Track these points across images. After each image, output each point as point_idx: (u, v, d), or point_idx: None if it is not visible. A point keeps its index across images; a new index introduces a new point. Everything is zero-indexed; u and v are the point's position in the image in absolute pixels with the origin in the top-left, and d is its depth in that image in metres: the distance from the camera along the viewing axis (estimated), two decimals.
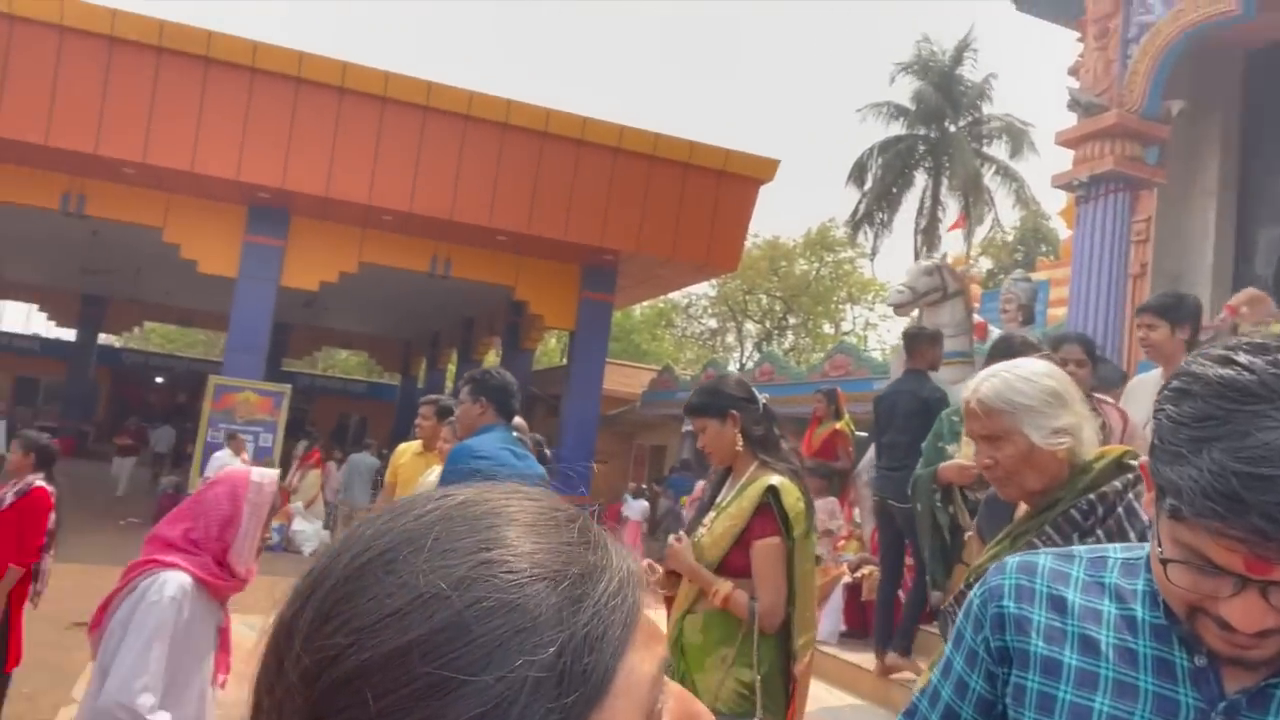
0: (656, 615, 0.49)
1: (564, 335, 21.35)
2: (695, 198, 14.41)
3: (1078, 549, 1.08)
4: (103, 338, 26.56)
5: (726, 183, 14.57)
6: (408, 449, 5.29)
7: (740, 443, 2.73)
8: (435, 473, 4.33)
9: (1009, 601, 1.03)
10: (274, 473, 2.53)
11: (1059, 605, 1.00)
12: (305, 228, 14.13)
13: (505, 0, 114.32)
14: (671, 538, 2.79)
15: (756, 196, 15.06)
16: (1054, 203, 32.39)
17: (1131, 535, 1.61)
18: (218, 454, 11.29)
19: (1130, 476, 1.69)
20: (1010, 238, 31.28)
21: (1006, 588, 1.04)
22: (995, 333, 7.85)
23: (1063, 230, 15.33)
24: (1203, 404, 0.83)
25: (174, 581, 2.18)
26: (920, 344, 5.18)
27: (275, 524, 13.21)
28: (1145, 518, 1.57)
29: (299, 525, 13.39)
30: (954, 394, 5.72)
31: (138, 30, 11.96)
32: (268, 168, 12.68)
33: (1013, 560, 1.08)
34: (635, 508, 14.97)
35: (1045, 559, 1.06)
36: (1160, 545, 0.87)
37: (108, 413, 26.12)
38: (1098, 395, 3.83)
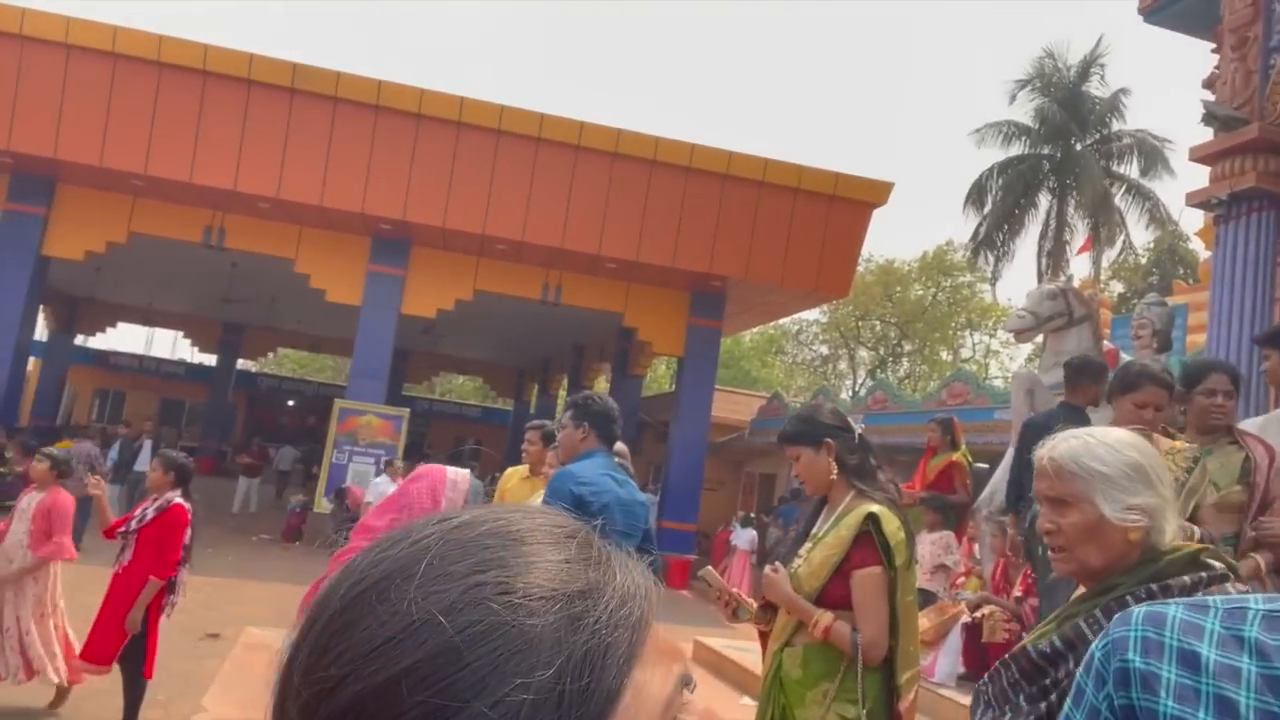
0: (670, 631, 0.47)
1: (673, 361, 21.40)
2: (804, 222, 14.26)
3: (1213, 599, 0.98)
4: (240, 363, 28.21)
5: (837, 207, 14.36)
6: (515, 473, 5.36)
7: (835, 471, 2.69)
8: (539, 497, 4.38)
9: (1134, 655, 0.94)
10: (466, 472, 2.78)
11: (1191, 661, 0.91)
12: (424, 257, 14.70)
13: (593, 20, 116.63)
14: (768, 568, 2.73)
15: (869, 220, 14.78)
16: (1192, 223, 30.54)
17: None
18: (377, 480, 11.86)
19: (1203, 575, 1.52)
20: (1144, 260, 29.63)
21: (1132, 640, 0.95)
22: (1126, 360, 7.41)
23: (1202, 251, 14.40)
24: None
25: None
26: (1083, 378, 4.60)
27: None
28: None
29: None
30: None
31: (272, 74, 12.78)
32: (390, 200, 13.28)
33: (1139, 610, 0.98)
34: (743, 536, 14.78)
35: (1176, 609, 0.96)
36: None
37: (243, 433, 27.72)
38: (1241, 428, 3.56)
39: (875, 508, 2.58)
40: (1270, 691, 0.86)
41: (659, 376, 33.35)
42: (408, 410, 15.44)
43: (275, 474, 21.12)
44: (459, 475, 2.70)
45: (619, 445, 3.87)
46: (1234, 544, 3.37)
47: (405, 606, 0.42)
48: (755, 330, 32.05)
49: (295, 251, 14.37)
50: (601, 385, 20.87)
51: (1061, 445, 1.63)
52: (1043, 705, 1.50)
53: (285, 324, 23.45)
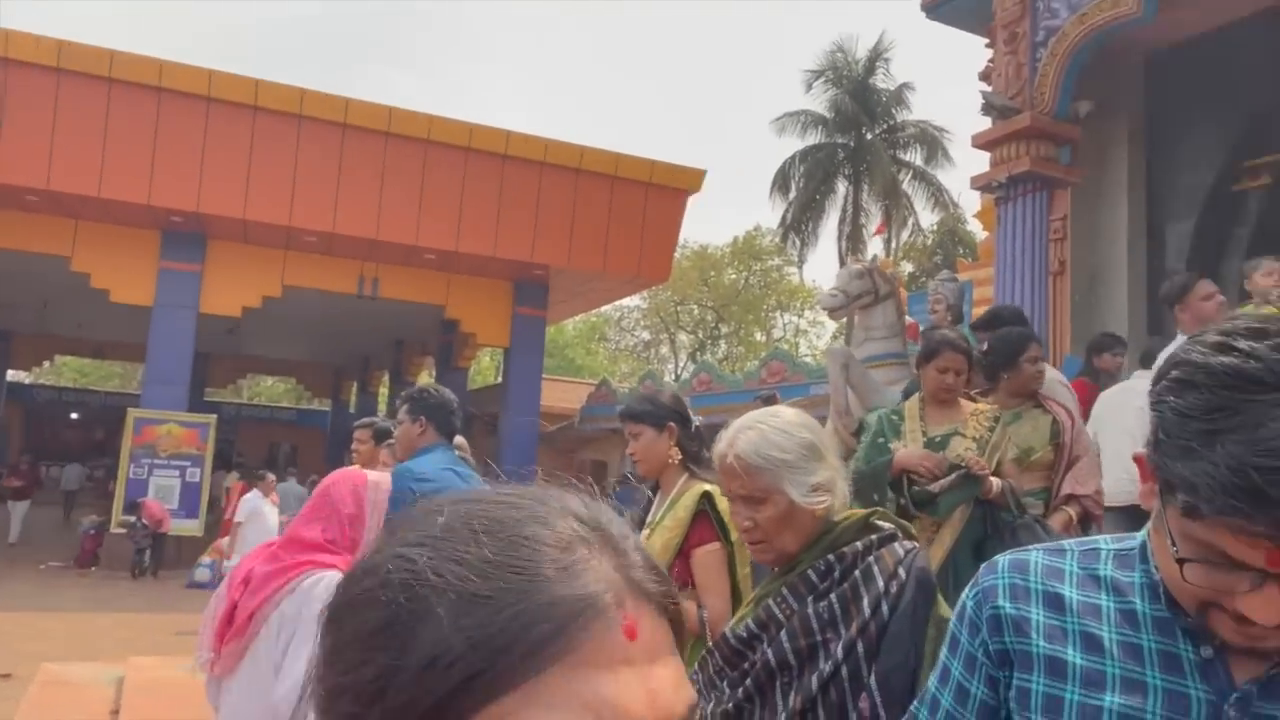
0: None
1: (497, 353, 21.15)
2: (624, 210, 14.44)
3: (1067, 542, 1.06)
4: (11, 374, 25.30)
5: (654, 195, 14.63)
6: None
7: (674, 457, 2.69)
8: None
9: (1005, 602, 1.00)
10: (386, 475, 2.65)
11: (1056, 602, 0.98)
12: (224, 251, 13.71)
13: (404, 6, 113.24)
14: None
15: (684, 207, 15.17)
16: (970, 205, 33.33)
17: (865, 600, 1.52)
18: (247, 497, 10.86)
19: (874, 538, 1.59)
20: (930, 241, 32.14)
21: (1001, 588, 1.02)
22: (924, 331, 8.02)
23: (979, 232, 15.79)
24: (1209, 395, 0.80)
25: (334, 579, 2.23)
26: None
27: (207, 560, 12.73)
28: (881, 583, 1.53)
29: (234, 561, 12.93)
30: (889, 395, 5.81)
31: (33, 52, 11.48)
32: (181, 191, 12.28)
33: (1004, 559, 1.05)
34: None
35: (1038, 555, 1.04)
36: (1173, 544, 0.84)
37: (19, 452, 24.90)
38: (1044, 395, 3.93)
39: (709, 486, 2.61)
40: (1128, 624, 0.94)
41: (484, 369, 32.87)
42: (214, 417, 14.40)
43: (61, 495, 19.15)
44: (380, 478, 2.59)
45: (458, 439, 3.77)
46: (1045, 498, 3.73)
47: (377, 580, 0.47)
48: (578, 318, 32.20)
49: (71, 248, 13.02)
50: (425, 380, 20.29)
51: (740, 441, 1.62)
52: (740, 690, 1.55)
53: (62, 329, 21.21)
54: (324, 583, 2.24)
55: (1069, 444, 3.69)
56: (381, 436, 4.80)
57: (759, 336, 35.63)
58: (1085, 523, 3.63)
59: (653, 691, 0.44)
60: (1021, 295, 6.65)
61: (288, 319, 17.28)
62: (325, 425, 25.58)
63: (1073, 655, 0.94)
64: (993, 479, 3.30)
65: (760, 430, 1.63)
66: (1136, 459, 0.91)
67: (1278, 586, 0.79)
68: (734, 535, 2.62)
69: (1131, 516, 4.11)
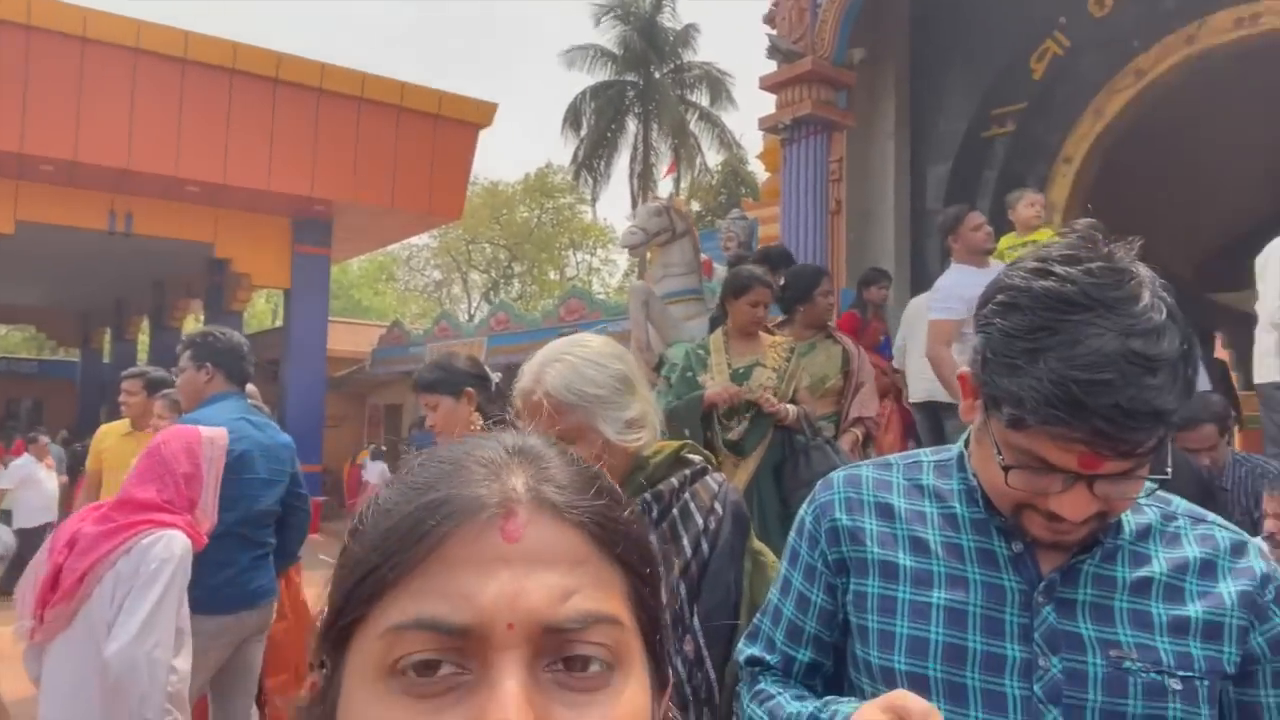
0: None
1: (274, 295, 19.82)
2: (411, 143, 13.82)
3: (892, 456, 1.16)
4: None
5: (443, 127, 14.09)
6: (112, 431, 4.66)
7: (476, 423, 2.56)
8: None
9: (841, 514, 1.09)
10: (223, 429, 2.61)
11: (887, 512, 1.07)
12: None
13: None
14: None
15: (475, 141, 14.73)
16: (753, 147, 34.63)
17: (685, 539, 1.51)
18: (18, 461, 9.36)
19: (688, 473, 1.56)
20: (715, 181, 33.23)
21: (837, 502, 1.10)
22: (720, 270, 8.34)
23: (761, 173, 16.50)
24: (1031, 316, 0.88)
25: (180, 540, 2.30)
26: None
27: None
28: (699, 520, 1.52)
29: None
30: (687, 330, 6.02)
31: None
32: None
33: (838, 475, 1.14)
34: (374, 470, 14.42)
35: (867, 469, 1.13)
36: (999, 453, 0.93)
37: None
38: (832, 327, 4.23)
39: None
40: (950, 527, 1.05)
41: (260, 312, 30.74)
42: None
43: None
44: (215, 433, 2.55)
45: (249, 387, 3.53)
46: (835, 421, 4.03)
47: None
48: (364, 257, 30.72)
49: None
50: (192, 325, 18.68)
51: (549, 375, 1.49)
52: None
53: None
54: (163, 541, 2.26)
55: (855, 372, 4.02)
56: (155, 386, 4.40)
57: (553, 275, 35.59)
58: (867, 441, 3.99)
59: (519, 591, 0.46)
60: (805, 233, 7.05)
61: (23, 259, 15.26)
62: (74, 377, 23.00)
63: (903, 559, 1.04)
64: (788, 407, 3.53)
65: (570, 363, 1.50)
66: (960, 377, 1.00)
67: (1085, 486, 0.89)
68: None
69: (930, 412, 4.86)
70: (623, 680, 0.48)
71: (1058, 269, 0.89)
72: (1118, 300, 0.87)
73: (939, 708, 0.85)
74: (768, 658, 1.14)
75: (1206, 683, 0.95)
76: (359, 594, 0.48)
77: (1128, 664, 0.94)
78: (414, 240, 33.37)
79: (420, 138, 13.89)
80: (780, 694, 1.07)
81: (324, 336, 15.00)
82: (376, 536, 0.49)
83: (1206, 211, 9.21)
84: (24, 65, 11.08)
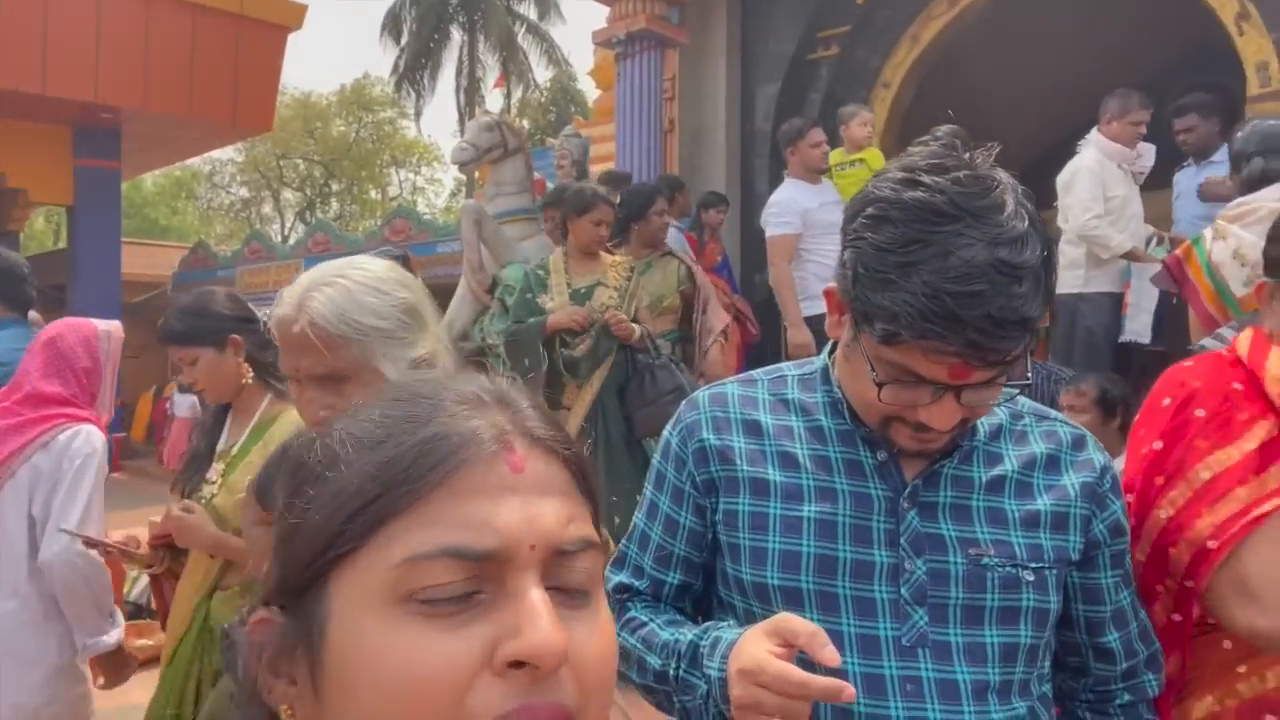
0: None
1: (56, 213, 17.86)
2: (210, 46, 12.57)
3: (755, 372, 1.15)
4: None
5: (248, 29, 12.89)
6: None
7: (247, 375, 2.14)
8: None
9: (709, 435, 1.07)
10: (116, 322, 2.57)
11: (754, 429, 1.06)
12: None
13: None
14: (176, 509, 2.03)
15: (285, 46, 13.60)
16: (583, 64, 34.05)
17: None
18: None
19: None
20: (544, 98, 32.44)
21: (703, 421, 1.08)
22: (551, 188, 8.16)
23: (592, 90, 16.23)
24: (903, 229, 0.87)
25: (98, 435, 2.31)
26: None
27: None
28: None
29: None
30: (521, 250, 5.89)
31: None
32: None
33: (703, 394, 1.11)
34: (183, 404, 13.44)
35: (732, 387, 1.11)
36: (872, 369, 0.93)
37: None
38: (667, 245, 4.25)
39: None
40: (816, 440, 1.05)
41: (39, 232, 27.63)
42: None
43: None
44: (112, 326, 2.52)
45: (33, 313, 3.15)
46: (674, 338, 4.09)
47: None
48: (159, 172, 28.06)
49: None
50: None
51: (316, 301, 1.24)
52: None
53: None
54: (83, 435, 2.27)
55: (701, 286, 4.08)
56: None
57: (374, 194, 33.88)
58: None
59: (534, 516, 0.49)
60: (639, 152, 7.01)
61: None
62: None
63: (773, 474, 1.04)
64: (633, 325, 3.55)
65: (343, 287, 1.25)
66: (826, 293, 1.00)
67: (953, 397, 0.92)
68: None
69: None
70: (598, 602, 0.52)
71: (925, 179, 0.89)
72: (984, 209, 0.87)
73: (811, 619, 0.87)
74: (636, 583, 1.11)
75: (1055, 571, 1.02)
76: (353, 527, 0.48)
77: (986, 560, 0.99)
78: (217, 155, 30.77)
79: (222, 40, 12.66)
80: (652, 620, 1.05)
81: (117, 258, 13.67)
82: (370, 467, 0.49)
83: (1012, 133, 9.84)
84: None
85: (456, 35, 27.56)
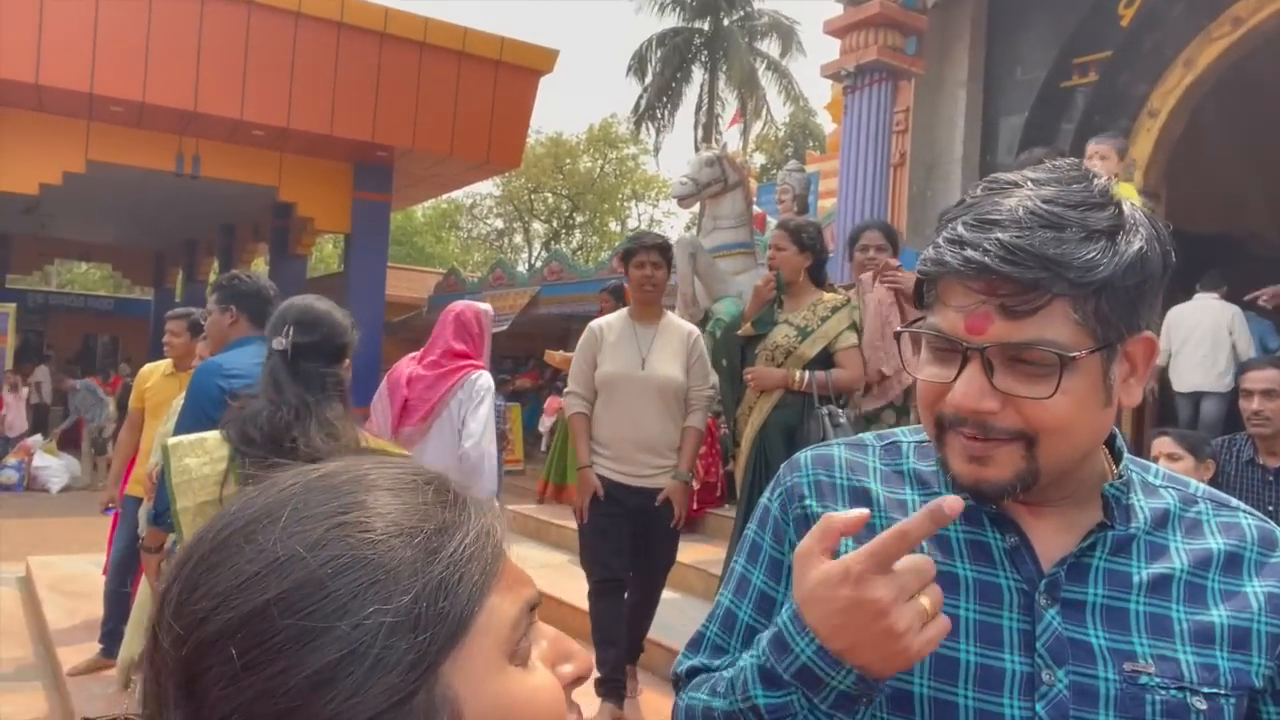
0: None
1: (340, 240, 20.11)
2: (472, 90, 13.70)
3: (866, 436, 1.01)
4: None
5: (504, 74, 13.93)
6: (155, 370, 4.72)
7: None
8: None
9: (811, 500, 0.93)
10: (487, 305, 3.88)
11: (863, 498, 0.92)
12: (15, 121, 12.16)
13: None
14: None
15: (536, 89, 14.55)
16: (820, 98, 33.77)
17: None
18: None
19: None
20: (781, 134, 32.46)
21: (806, 485, 0.95)
22: (773, 223, 8.09)
23: (828, 124, 16.02)
24: (967, 201, 0.84)
25: (488, 376, 3.62)
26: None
27: (13, 460, 11.75)
28: None
29: (42, 461, 11.99)
30: (736, 284, 5.84)
31: None
32: None
33: (806, 455, 0.98)
34: None
35: (839, 450, 0.97)
36: (912, 342, 0.88)
37: None
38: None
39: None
40: None
41: (326, 256, 31.27)
42: (14, 305, 13.07)
43: None
44: (487, 306, 3.88)
45: None
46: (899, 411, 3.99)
47: (271, 544, 0.47)
48: (427, 205, 30.92)
49: None
50: (261, 266, 19.08)
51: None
52: None
53: None
54: (482, 377, 3.58)
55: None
56: (198, 329, 4.44)
57: (614, 226, 35.38)
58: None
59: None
60: (864, 185, 6.77)
61: (98, 199, 15.69)
62: (149, 315, 23.76)
63: None
64: (796, 372, 3.49)
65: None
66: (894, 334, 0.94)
67: (978, 364, 0.79)
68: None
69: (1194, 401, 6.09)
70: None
71: (1016, 175, 0.84)
72: (1052, 179, 0.80)
73: None
74: (713, 665, 0.95)
75: (1233, 699, 0.82)
76: (466, 613, 0.49)
77: (1145, 679, 0.80)
78: (478, 188, 33.48)
79: (481, 84, 13.75)
80: (718, 671, 0.91)
81: (383, 282, 15.13)
82: (447, 565, 0.50)
83: None
84: (93, 7, 11.22)
85: (698, 74, 28.30)
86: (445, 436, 3.48)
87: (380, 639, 0.45)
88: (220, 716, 0.44)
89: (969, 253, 0.77)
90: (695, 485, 3.94)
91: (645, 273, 3.67)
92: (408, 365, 3.66)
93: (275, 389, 1.97)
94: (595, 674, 3.44)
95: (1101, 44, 7.02)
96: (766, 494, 0.99)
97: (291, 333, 2.04)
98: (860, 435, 1.01)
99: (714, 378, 3.95)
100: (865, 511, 0.74)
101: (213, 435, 2.01)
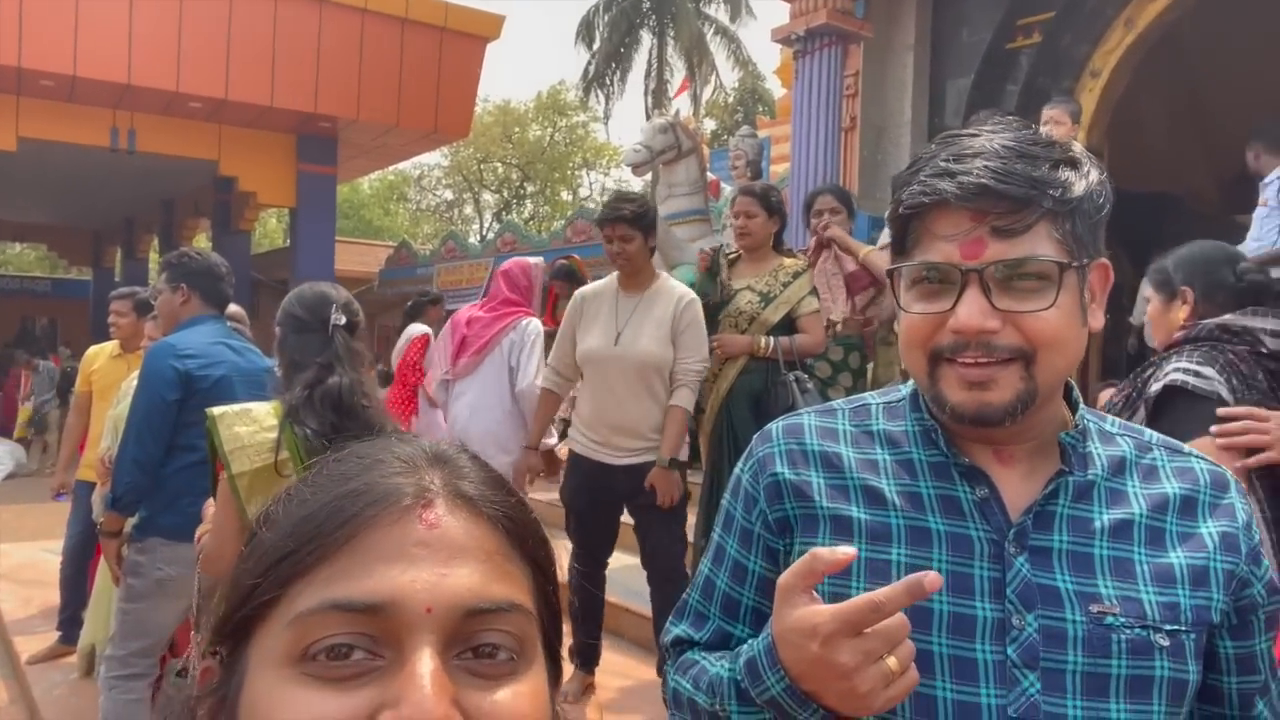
0: None
1: (285, 214, 19.67)
2: (417, 58, 13.42)
3: (837, 403, 1.03)
4: None
5: (450, 41, 13.66)
6: (101, 352, 4.61)
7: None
8: (135, 378, 3.80)
9: (783, 469, 0.96)
10: (538, 259, 4.52)
11: (833, 462, 0.95)
12: None
13: None
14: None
15: (483, 56, 14.30)
16: (770, 63, 33.75)
17: None
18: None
19: None
20: (731, 99, 32.37)
21: (777, 454, 0.97)
22: (727, 190, 8.10)
23: (778, 89, 16.00)
24: (928, 152, 0.89)
25: (538, 322, 4.15)
26: None
27: None
28: None
29: None
30: (691, 251, 5.85)
31: None
32: None
33: (777, 426, 1.00)
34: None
35: (810, 417, 1.00)
36: (893, 263, 0.92)
37: None
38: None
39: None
40: (906, 473, 0.93)
41: (271, 231, 30.58)
42: None
43: None
44: (539, 260, 4.49)
45: (233, 308, 3.43)
46: (850, 346, 3.99)
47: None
48: (374, 176, 30.33)
49: None
50: (203, 243, 18.57)
51: None
52: None
53: None
54: (532, 323, 4.11)
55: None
56: (145, 309, 4.33)
57: (565, 195, 35.09)
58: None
59: (441, 576, 0.47)
60: (816, 150, 6.80)
61: (30, 177, 15.12)
62: (88, 295, 23.06)
63: (856, 511, 0.92)
64: (761, 339, 3.50)
65: None
66: (849, 279, 0.98)
67: (977, 289, 0.83)
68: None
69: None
70: (527, 668, 0.50)
71: (972, 128, 0.90)
72: (1006, 126, 0.87)
73: None
74: (695, 635, 1.00)
75: (1194, 636, 0.86)
76: (267, 582, 0.48)
77: (1110, 619, 0.84)
78: (426, 159, 32.91)
79: (426, 52, 13.48)
80: (704, 658, 0.95)
81: (331, 256, 14.86)
82: (289, 524, 0.49)
83: (1236, 130, 8.84)
84: None
85: (647, 39, 28.04)
86: (494, 369, 4.00)
87: (249, 562, 0.50)
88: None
89: (963, 179, 0.82)
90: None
91: (614, 248, 3.40)
92: (467, 310, 4.32)
93: (339, 362, 2.13)
94: (569, 641, 3.45)
95: (1044, 5, 7.09)
96: (740, 464, 1.02)
97: (338, 311, 2.21)
98: (830, 402, 1.04)
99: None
100: (852, 551, 0.74)
101: (259, 405, 2.14)
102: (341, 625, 0.45)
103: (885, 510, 0.91)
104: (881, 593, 0.72)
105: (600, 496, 3.41)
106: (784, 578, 0.77)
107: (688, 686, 0.93)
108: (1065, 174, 0.84)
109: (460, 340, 4.17)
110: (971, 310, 0.82)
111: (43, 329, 23.22)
